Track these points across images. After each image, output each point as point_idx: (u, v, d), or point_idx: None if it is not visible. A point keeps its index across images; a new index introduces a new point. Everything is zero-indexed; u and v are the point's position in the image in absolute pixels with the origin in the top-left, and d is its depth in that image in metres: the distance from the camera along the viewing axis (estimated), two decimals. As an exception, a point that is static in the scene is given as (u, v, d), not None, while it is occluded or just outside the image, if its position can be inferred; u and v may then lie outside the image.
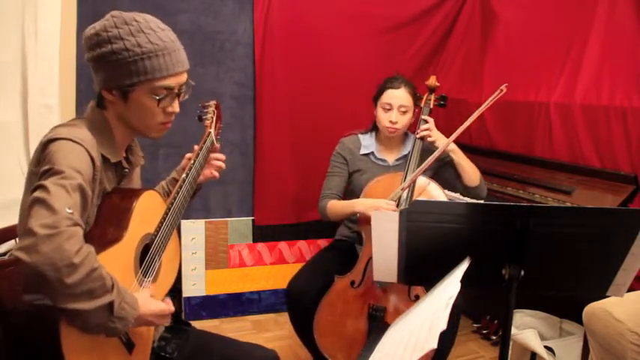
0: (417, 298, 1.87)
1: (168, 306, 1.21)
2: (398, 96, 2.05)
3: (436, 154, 1.93)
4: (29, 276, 0.93)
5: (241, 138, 2.80)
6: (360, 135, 2.21)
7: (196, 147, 1.44)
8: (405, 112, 2.07)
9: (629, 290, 1.23)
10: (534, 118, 2.38)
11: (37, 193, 0.98)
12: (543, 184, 2.24)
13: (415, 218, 1.18)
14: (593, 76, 2.17)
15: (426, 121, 2.07)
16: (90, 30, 1.18)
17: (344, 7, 2.84)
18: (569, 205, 2.06)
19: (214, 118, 1.51)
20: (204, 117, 1.50)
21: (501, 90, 1.88)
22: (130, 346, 1.18)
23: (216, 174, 1.53)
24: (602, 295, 1.24)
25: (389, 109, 2.06)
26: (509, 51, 2.64)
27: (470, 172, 2.07)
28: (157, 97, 1.19)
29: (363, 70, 2.83)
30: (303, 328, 1.98)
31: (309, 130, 2.83)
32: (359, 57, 2.87)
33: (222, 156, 1.54)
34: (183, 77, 1.24)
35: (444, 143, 1.98)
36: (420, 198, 1.96)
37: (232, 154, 2.78)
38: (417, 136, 2.07)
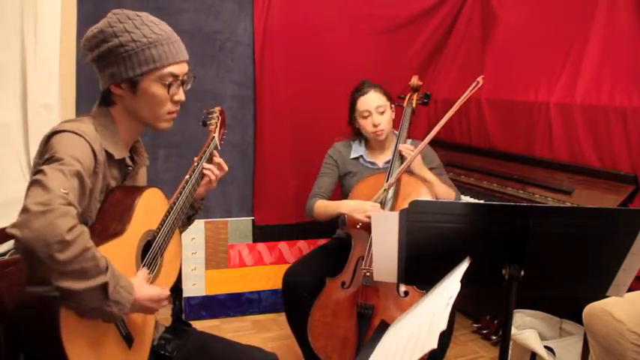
0: (407, 294, 1.88)
1: (164, 290, 1.21)
2: (371, 99, 2.11)
3: (403, 166, 1.93)
4: (22, 253, 0.94)
5: (241, 138, 2.80)
6: (351, 141, 2.27)
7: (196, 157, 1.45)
8: (383, 112, 2.11)
9: (629, 290, 1.23)
10: (534, 118, 2.37)
11: (35, 176, 1.00)
12: (543, 184, 2.24)
13: (415, 218, 1.17)
14: (593, 76, 2.17)
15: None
16: (92, 30, 1.22)
17: (344, 7, 2.85)
18: (569, 205, 2.06)
19: (218, 124, 1.55)
20: (209, 122, 1.54)
21: (477, 82, 1.86)
22: (129, 339, 1.18)
23: (213, 178, 1.48)
24: (602, 295, 1.23)
25: (368, 115, 2.11)
26: (509, 51, 2.64)
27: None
28: (167, 83, 1.23)
29: (363, 70, 2.81)
30: (298, 318, 2.00)
31: (309, 130, 2.83)
32: (359, 57, 2.87)
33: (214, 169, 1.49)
34: (186, 67, 1.29)
35: (412, 155, 1.97)
36: (412, 197, 1.97)
37: (232, 153, 2.78)
38: (399, 147, 2.06)
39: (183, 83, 1.29)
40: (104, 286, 1.01)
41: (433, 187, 2.03)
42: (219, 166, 1.50)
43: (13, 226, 0.94)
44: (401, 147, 2.05)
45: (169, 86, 1.24)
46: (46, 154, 1.07)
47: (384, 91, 2.15)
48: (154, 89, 1.23)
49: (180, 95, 1.29)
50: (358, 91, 2.15)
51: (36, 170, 1.03)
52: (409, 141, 2.16)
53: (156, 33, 1.21)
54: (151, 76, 1.22)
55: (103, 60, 1.21)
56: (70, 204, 0.99)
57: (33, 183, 0.99)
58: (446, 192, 2.07)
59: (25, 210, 0.94)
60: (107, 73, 1.22)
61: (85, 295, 0.98)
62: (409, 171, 2.02)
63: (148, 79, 1.22)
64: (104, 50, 1.20)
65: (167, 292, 1.22)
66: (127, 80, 1.21)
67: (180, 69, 1.26)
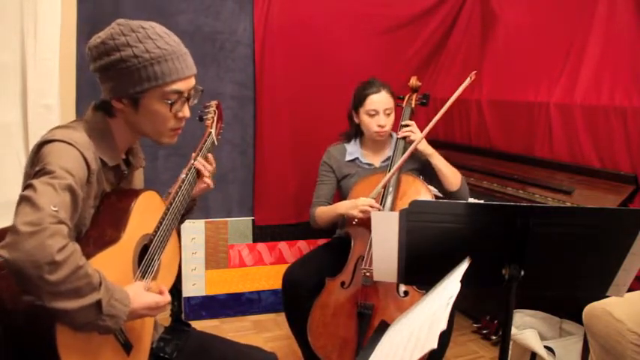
0: (406, 294, 1.88)
1: (164, 296, 1.18)
2: (381, 100, 2.09)
3: (411, 148, 1.97)
4: (12, 274, 0.92)
5: (241, 138, 2.80)
6: (345, 144, 2.25)
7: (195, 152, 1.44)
8: (389, 114, 2.11)
9: (629, 290, 1.23)
10: (534, 118, 2.37)
11: (25, 192, 0.97)
12: (543, 184, 2.24)
13: (415, 218, 1.17)
14: (593, 76, 2.17)
15: (408, 125, 2.09)
16: (95, 39, 1.17)
17: (344, 7, 2.85)
18: (569, 205, 2.06)
19: (215, 118, 1.51)
20: (205, 117, 1.50)
21: (470, 77, 1.90)
22: (127, 347, 1.17)
23: (209, 181, 1.47)
24: (602, 295, 1.23)
25: (375, 114, 2.09)
26: (509, 51, 2.64)
27: (449, 176, 2.06)
28: (169, 102, 1.19)
29: (363, 70, 2.81)
30: (297, 318, 2.00)
31: (309, 130, 2.83)
32: (359, 57, 2.87)
33: (207, 164, 1.47)
34: (192, 81, 1.23)
35: (418, 137, 2.01)
36: (410, 195, 1.99)
37: (232, 153, 2.78)
38: (399, 136, 2.10)
39: (188, 99, 1.24)
40: (98, 303, 0.98)
41: (435, 158, 2.06)
42: (208, 161, 1.46)
43: (2, 247, 0.91)
44: (401, 132, 2.07)
45: (172, 104, 1.19)
46: (37, 166, 1.04)
47: (392, 92, 2.14)
48: (157, 107, 1.18)
49: (185, 112, 1.23)
50: (368, 88, 2.11)
51: (26, 184, 1.00)
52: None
53: (160, 47, 1.15)
54: (153, 93, 1.17)
55: (104, 72, 1.17)
56: (60, 222, 0.96)
57: (22, 199, 0.96)
58: (451, 171, 2.07)
59: (14, 230, 0.92)
60: (108, 86, 1.18)
61: (78, 313, 0.96)
62: (414, 150, 2.02)
63: (150, 96, 1.17)
64: (105, 63, 1.15)
65: (167, 299, 1.18)
66: (128, 96, 1.17)
67: (186, 85, 1.21)
